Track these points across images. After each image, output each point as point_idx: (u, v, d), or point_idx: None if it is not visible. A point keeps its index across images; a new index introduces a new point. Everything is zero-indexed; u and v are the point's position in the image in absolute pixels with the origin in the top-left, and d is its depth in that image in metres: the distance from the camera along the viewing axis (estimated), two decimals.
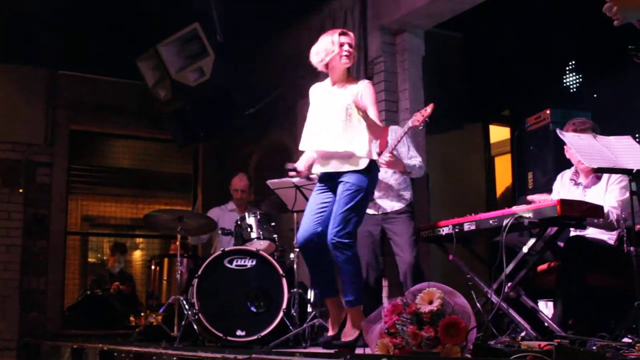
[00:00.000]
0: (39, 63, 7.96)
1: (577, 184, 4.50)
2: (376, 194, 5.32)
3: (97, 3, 6.94)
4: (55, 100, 8.16)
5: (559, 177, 4.71)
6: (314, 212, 4.46)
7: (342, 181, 4.36)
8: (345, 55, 4.42)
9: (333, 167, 4.42)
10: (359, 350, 4.24)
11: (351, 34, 4.56)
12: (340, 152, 4.36)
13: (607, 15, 3.10)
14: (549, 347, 2.87)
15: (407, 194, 5.41)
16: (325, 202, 4.45)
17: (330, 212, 4.39)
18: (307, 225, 4.43)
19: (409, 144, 5.37)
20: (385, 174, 5.33)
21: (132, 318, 8.05)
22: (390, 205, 5.37)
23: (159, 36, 7.21)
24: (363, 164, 4.33)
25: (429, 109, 4.90)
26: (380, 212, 5.39)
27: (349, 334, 4.38)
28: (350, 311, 4.39)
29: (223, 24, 6.92)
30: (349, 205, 4.28)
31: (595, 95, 6.24)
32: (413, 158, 5.34)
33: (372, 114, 4.31)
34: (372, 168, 4.41)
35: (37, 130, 8.04)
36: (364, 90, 4.39)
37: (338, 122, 4.39)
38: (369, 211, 5.34)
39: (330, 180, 4.46)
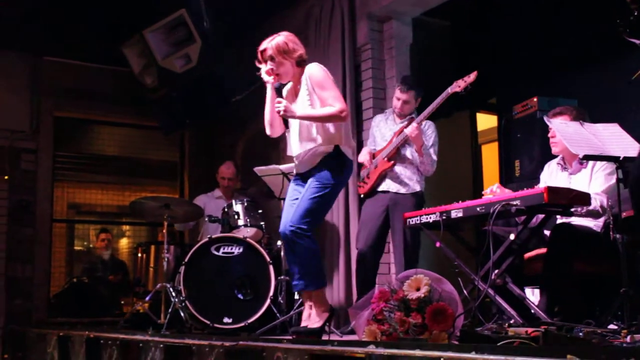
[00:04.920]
0: (23, 49, 7.88)
1: (564, 168, 4.51)
2: (395, 168, 5.42)
3: None
4: (40, 86, 8.09)
5: (546, 166, 4.72)
6: (290, 205, 4.54)
7: (312, 175, 4.45)
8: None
9: (305, 166, 4.52)
10: (325, 337, 4.30)
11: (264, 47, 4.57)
12: (305, 151, 4.47)
13: None
14: (536, 334, 2.89)
15: (415, 185, 5.42)
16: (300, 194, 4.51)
17: None
18: (285, 216, 4.51)
19: (434, 142, 5.41)
20: (408, 153, 5.41)
21: (124, 304, 8.03)
22: (401, 184, 5.41)
23: (145, 22, 7.16)
24: (331, 155, 4.41)
25: (472, 75, 4.94)
26: (389, 190, 5.41)
27: (314, 320, 4.45)
28: (313, 297, 4.46)
29: (210, 11, 6.88)
30: (313, 198, 4.37)
31: (581, 83, 6.25)
32: (431, 152, 5.38)
33: (329, 96, 4.37)
34: (343, 163, 4.45)
35: (22, 117, 7.98)
36: (308, 78, 4.45)
37: (295, 123, 4.52)
38: (380, 189, 5.39)
39: (304, 175, 4.55)
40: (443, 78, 5.25)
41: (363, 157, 5.57)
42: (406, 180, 5.41)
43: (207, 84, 7.22)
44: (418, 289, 3.23)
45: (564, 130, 3.96)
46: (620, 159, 3.68)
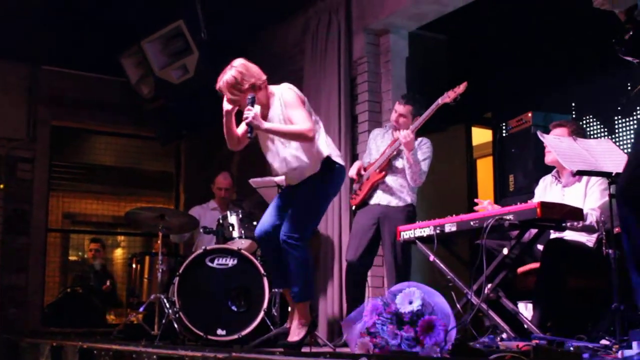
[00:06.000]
0: (21, 58, 7.90)
1: (558, 181, 4.54)
2: (385, 180, 5.46)
3: None
4: (37, 95, 8.10)
5: (541, 180, 4.75)
6: (274, 208, 4.66)
7: (301, 185, 4.55)
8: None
9: (296, 180, 4.60)
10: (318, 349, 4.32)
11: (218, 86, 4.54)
12: (291, 169, 4.55)
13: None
14: (527, 348, 2.89)
15: (406, 196, 5.45)
16: (287, 204, 4.61)
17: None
18: (266, 218, 4.64)
19: (427, 157, 5.44)
20: (400, 164, 5.43)
21: (112, 317, 8.02)
22: (386, 199, 5.43)
23: (142, 33, 7.19)
24: (317, 167, 4.49)
25: (462, 86, 5.02)
26: (380, 202, 5.44)
27: (295, 333, 4.51)
28: (297, 307, 4.53)
29: (207, 22, 6.91)
30: (304, 207, 4.49)
31: (576, 99, 6.29)
32: (422, 165, 5.40)
33: (298, 115, 4.40)
34: (330, 169, 4.52)
35: (19, 126, 7.98)
36: (280, 100, 4.49)
37: (276, 143, 4.57)
38: (371, 202, 5.42)
39: (294, 187, 4.65)
40: (439, 91, 5.28)
41: (353, 171, 5.62)
42: (397, 191, 5.44)
43: (204, 95, 7.23)
44: (411, 302, 3.23)
45: (557, 145, 3.98)
46: (613, 174, 3.70)
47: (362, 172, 5.58)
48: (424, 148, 5.45)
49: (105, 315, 7.97)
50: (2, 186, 7.83)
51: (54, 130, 8.36)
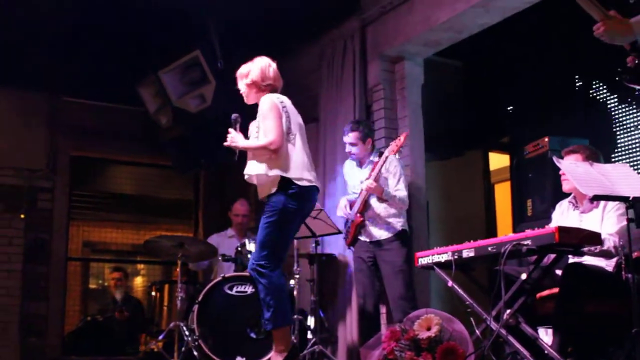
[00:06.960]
0: (41, 89, 7.99)
1: (575, 207, 4.52)
2: (367, 221, 5.53)
3: (100, 29, 7.00)
4: (57, 126, 8.17)
5: (557, 205, 4.73)
6: None
7: (264, 207, 4.53)
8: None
9: (262, 193, 4.59)
10: None
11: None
12: (255, 178, 4.56)
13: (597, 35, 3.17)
14: None
15: (398, 223, 5.49)
16: None
17: None
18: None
19: (400, 176, 5.48)
20: (375, 202, 5.49)
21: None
22: (378, 233, 5.48)
23: (160, 63, 7.26)
24: (273, 188, 4.44)
25: (402, 137, 5.20)
26: (370, 239, 5.50)
27: None
28: (273, 335, 4.49)
29: (224, 51, 6.98)
30: (263, 232, 4.45)
31: (592, 123, 6.29)
32: (398, 191, 5.45)
33: (266, 127, 4.45)
34: (285, 190, 4.45)
35: (39, 156, 8.05)
36: (259, 109, 4.55)
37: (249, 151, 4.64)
38: (361, 238, 5.48)
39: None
40: (455, 118, 5.31)
41: (341, 210, 5.67)
42: (384, 225, 5.50)
43: (222, 123, 7.29)
44: (429, 329, 3.24)
45: (573, 170, 3.98)
46: (630, 199, 3.69)
47: (349, 211, 5.61)
48: (391, 169, 5.48)
49: (126, 344, 7.95)
50: (22, 216, 7.89)
51: (74, 160, 8.43)
